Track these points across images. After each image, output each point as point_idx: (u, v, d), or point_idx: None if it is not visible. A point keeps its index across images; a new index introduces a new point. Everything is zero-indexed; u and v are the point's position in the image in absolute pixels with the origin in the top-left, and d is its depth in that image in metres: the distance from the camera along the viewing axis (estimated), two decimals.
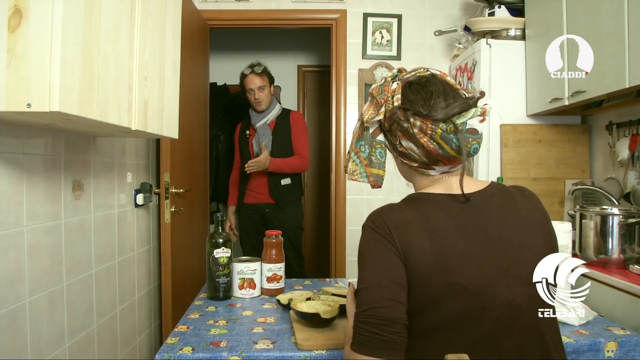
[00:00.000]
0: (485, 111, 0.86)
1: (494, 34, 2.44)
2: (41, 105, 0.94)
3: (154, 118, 1.47)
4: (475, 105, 0.87)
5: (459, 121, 0.85)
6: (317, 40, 4.21)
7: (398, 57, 3.03)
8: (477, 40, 2.49)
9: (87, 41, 1.04)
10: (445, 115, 0.84)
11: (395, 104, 0.89)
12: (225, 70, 4.19)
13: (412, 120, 0.86)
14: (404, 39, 3.03)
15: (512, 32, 2.41)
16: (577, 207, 1.92)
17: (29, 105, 0.94)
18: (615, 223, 1.70)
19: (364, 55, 3.04)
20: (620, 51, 1.65)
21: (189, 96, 2.51)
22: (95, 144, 1.75)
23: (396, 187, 2.81)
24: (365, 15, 3.02)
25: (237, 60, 4.33)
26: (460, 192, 0.87)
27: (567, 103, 2.01)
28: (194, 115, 2.72)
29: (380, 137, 0.95)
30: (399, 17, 3.02)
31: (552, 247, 0.88)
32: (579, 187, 2.21)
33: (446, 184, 0.91)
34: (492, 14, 2.46)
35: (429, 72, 0.93)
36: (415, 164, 0.91)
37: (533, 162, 2.34)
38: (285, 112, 2.89)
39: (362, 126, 0.97)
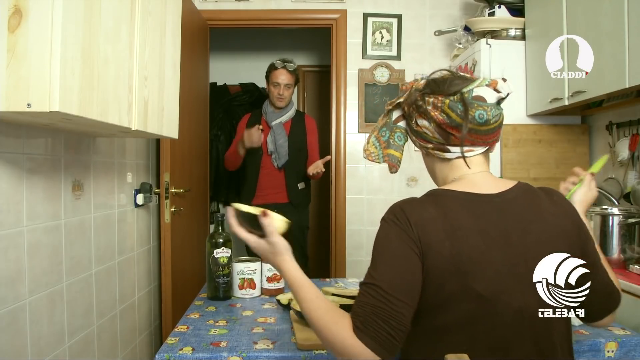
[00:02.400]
0: (495, 83, 0.87)
1: (494, 34, 2.44)
2: (41, 105, 0.94)
3: (154, 118, 1.47)
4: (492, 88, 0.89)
5: (465, 89, 0.87)
6: (317, 40, 4.21)
7: (398, 57, 3.03)
8: (477, 40, 2.49)
9: (87, 41, 1.04)
10: (456, 89, 0.87)
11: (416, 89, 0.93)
12: (225, 70, 4.19)
13: (427, 98, 0.90)
14: (404, 39, 3.03)
15: (512, 32, 2.41)
16: None
17: (29, 105, 0.94)
18: (615, 223, 1.70)
19: (364, 55, 3.04)
20: (620, 51, 1.65)
21: (189, 96, 2.51)
22: (95, 144, 1.75)
23: (396, 188, 2.80)
24: (365, 15, 3.02)
25: (237, 60, 4.34)
26: (485, 193, 0.87)
27: (567, 103, 2.01)
28: (194, 115, 2.72)
29: (402, 124, 0.99)
30: (398, 17, 3.02)
31: (579, 254, 0.85)
32: None
33: (471, 182, 0.90)
34: (492, 14, 2.46)
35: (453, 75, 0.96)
36: (430, 145, 0.92)
37: (533, 162, 2.34)
38: (300, 114, 2.92)
39: (387, 115, 1.00)
